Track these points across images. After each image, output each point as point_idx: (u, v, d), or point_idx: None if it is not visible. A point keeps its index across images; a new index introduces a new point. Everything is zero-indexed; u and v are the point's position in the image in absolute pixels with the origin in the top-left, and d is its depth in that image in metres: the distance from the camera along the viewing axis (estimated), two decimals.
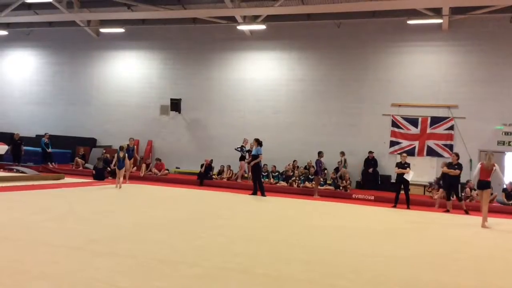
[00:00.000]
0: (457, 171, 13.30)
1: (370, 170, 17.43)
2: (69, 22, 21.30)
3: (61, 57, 23.12)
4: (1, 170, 17.46)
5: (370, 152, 17.53)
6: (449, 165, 13.68)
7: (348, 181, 16.68)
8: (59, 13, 20.24)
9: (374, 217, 11.56)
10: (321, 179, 16.27)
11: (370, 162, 17.55)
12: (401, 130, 17.73)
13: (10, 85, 24.03)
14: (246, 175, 18.12)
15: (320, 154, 15.62)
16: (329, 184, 16.83)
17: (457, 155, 13.87)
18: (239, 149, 17.47)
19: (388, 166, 17.49)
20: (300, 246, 7.13)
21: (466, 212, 13.22)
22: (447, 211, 13.37)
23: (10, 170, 17.37)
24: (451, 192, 13.51)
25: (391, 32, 18.03)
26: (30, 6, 20.91)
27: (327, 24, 18.63)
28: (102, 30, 21.61)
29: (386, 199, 14.73)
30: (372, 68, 18.30)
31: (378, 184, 17.39)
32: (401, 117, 17.73)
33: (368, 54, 18.36)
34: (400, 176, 13.79)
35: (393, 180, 15.71)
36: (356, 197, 15.60)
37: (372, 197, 15.34)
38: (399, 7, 16.09)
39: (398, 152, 17.21)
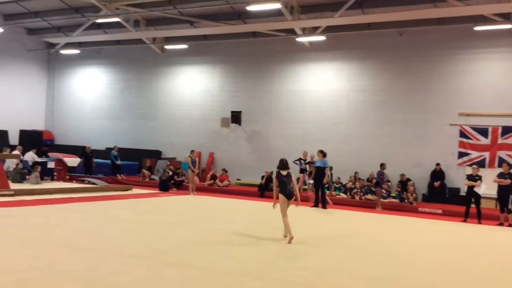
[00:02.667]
0: (508, 181, 12.59)
1: (437, 183, 16.78)
2: (136, 40, 22.33)
3: (128, 73, 24.25)
4: (74, 181, 18.48)
5: (437, 164, 16.87)
6: (500, 175, 12.95)
7: (414, 194, 16.16)
8: (126, 31, 21.31)
9: (443, 232, 11.10)
10: (383, 191, 15.89)
11: (438, 174, 16.89)
12: (470, 141, 16.93)
13: (82, 101, 25.49)
14: (306, 187, 18.01)
15: (382, 165, 15.29)
16: (394, 197, 16.37)
17: (508, 164, 13.22)
18: (298, 162, 17.40)
19: (456, 179, 16.73)
20: (364, 260, 6.97)
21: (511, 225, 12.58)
22: (501, 224, 12.70)
23: (82, 181, 18.34)
24: (504, 203, 12.80)
25: (457, 39, 17.34)
26: (100, 25, 22.15)
27: (389, 33, 18.25)
28: (167, 46, 22.46)
29: (455, 213, 14.11)
30: (438, 77, 17.68)
31: (445, 197, 16.69)
32: (470, 127, 16.95)
33: (433, 62, 17.77)
34: (470, 189, 13.16)
35: (463, 193, 15.02)
36: (423, 210, 15.06)
37: (440, 211, 14.74)
38: (465, 14, 15.47)
39: (467, 163, 16.45)
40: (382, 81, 18.66)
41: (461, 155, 17.04)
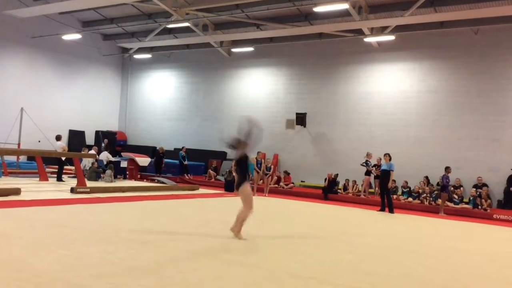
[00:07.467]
0: None
1: None
2: (204, 44, 22.92)
3: (196, 76, 24.94)
4: (144, 180, 19.27)
5: None
6: None
7: (488, 200, 15.31)
8: (195, 35, 21.95)
9: None
10: (456, 197, 15.19)
11: None
12: None
13: (153, 103, 26.54)
14: (372, 190, 17.63)
15: (447, 169, 14.63)
16: (466, 203, 15.60)
17: None
18: (364, 164, 17.11)
19: None
20: (436, 269, 6.69)
21: None
22: None
23: (152, 180, 19.08)
24: None
25: None
26: (171, 30, 22.98)
27: (463, 31, 17.44)
28: (234, 49, 22.86)
29: None
30: None
31: None
32: None
33: (510, 61, 16.80)
34: None
35: None
36: (498, 217, 14.24)
37: None
38: None
39: None
40: (455, 81, 17.85)
41: None
